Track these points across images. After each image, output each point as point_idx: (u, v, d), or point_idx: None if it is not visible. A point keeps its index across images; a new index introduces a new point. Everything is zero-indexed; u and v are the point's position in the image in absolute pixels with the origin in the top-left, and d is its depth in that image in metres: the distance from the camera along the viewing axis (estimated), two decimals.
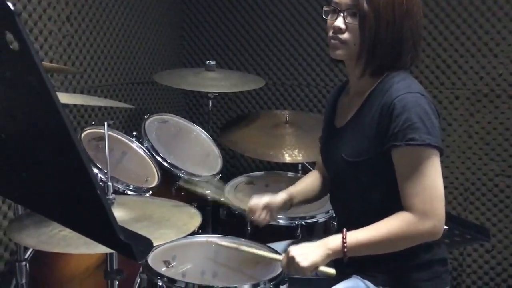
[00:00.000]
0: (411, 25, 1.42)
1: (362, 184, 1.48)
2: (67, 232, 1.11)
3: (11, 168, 0.89)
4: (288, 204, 1.71)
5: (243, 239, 1.78)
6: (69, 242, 1.07)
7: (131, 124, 2.79)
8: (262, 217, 1.68)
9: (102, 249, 1.01)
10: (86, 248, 1.03)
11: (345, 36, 1.43)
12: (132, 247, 0.80)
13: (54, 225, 1.16)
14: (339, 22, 1.42)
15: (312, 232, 2.11)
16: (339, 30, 1.43)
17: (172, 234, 1.21)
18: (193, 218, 1.37)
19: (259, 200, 1.69)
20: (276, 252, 1.65)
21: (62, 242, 1.06)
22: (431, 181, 1.35)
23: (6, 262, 2.01)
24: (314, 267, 1.39)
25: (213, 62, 2.61)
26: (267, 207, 1.68)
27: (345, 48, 1.44)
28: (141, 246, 0.83)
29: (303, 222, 2.05)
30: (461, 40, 2.62)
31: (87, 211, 0.80)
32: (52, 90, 0.69)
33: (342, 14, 1.42)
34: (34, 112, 0.75)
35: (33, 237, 1.11)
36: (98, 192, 0.75)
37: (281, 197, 1.69)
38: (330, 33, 1.46)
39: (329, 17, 1.48)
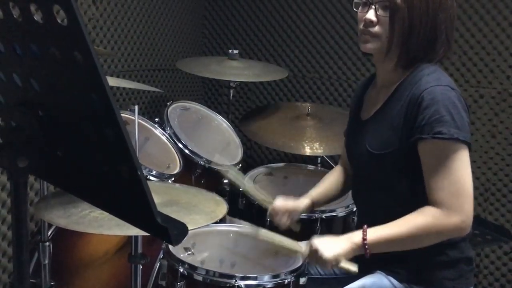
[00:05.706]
0: (445, 17, 1.39)
1: (386, 178, 1.45)
2: (97, 213, 1.10)
3: (44, 146, 0.88)
4: (311, 208, 1.71)
5: (263, 230, 1.77)
6: (100, 223, 1.06)
7: (151, 111, 2.79)
8: (283, 221, 1.66)
9: (134, 231, 1.00)
10: (119, 230, 1.02)
11: (376, 29, 1.40)
12: (169, 230, 0.79)
13: (83, 206, 1.15)
14: (371, 15, 1.39)
15: (331, 226, 2.10)
16: (370, 23, 1.40)
17: (202, 220, 1.20)
18: (219, 205, 1.36)
19: (284, 204, 1.66)
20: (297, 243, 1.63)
21: (94, 223, 1.06)
22: (459, 176, 1.31)
23: None
24: (337, 260, 1.36)
25: (236, 51, 2.59)
26: (290, 212, 1.66)
27: (376, 41, 1.41)
28: (176, 230, 0.82)
29: (323, 216, 2.03)
30: (488, 38, 2.58)
31: (125, 192, 0.79)
32: (99, 66, 0.68)
33: (373, 6, 1.39)
34: (77, 89, 0.74)
35: (63, 217, 1.10)
36: (139, 173, 0.74)
37: (304, 203, 1.67)
38: (361, 26, 1.43)
39: (359, 10, 1.44)
